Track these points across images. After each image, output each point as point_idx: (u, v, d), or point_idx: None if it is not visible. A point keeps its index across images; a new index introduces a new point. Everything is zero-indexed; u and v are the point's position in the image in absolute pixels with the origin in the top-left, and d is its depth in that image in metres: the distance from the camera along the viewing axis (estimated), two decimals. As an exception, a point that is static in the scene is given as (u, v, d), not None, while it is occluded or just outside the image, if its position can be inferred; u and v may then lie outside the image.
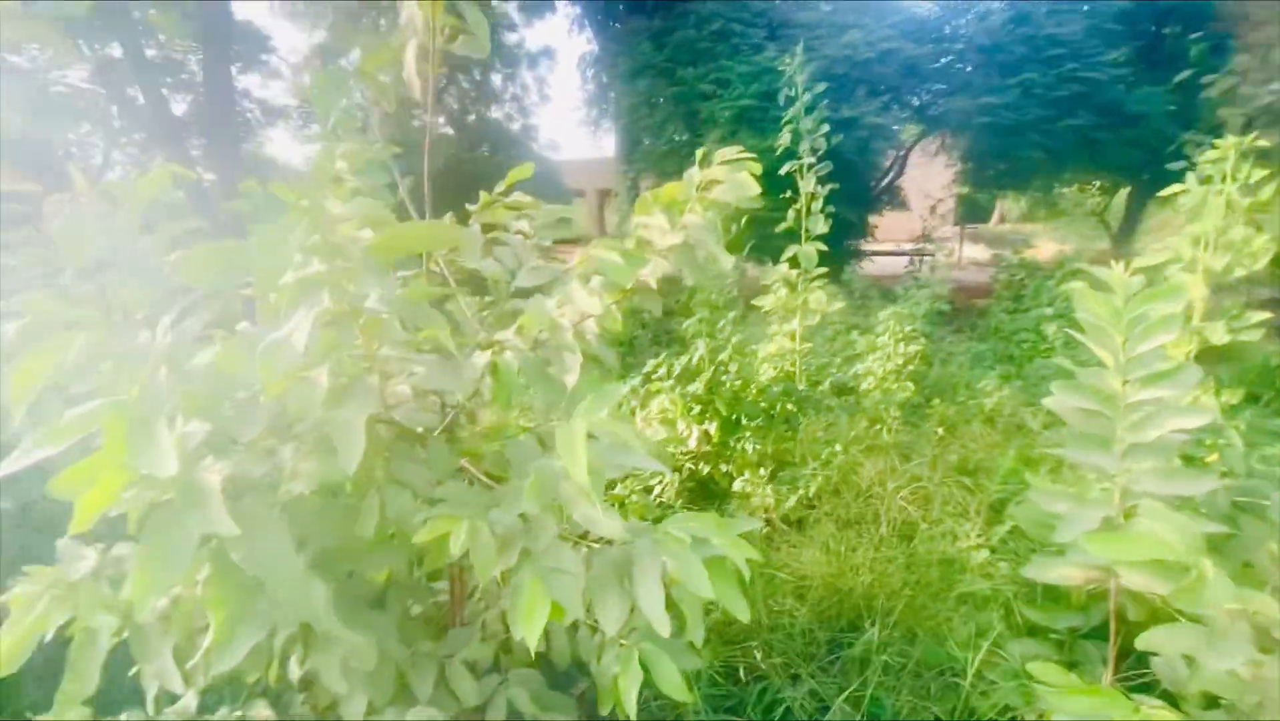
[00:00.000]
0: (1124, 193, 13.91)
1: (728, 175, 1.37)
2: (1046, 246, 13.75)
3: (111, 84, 9.85)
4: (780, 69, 3.62)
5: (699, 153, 1.52)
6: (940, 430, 3.31)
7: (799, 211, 3.41)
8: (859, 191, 8.40)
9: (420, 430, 1.25)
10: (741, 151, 1.45)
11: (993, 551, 2.35)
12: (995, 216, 28.56)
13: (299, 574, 1.01)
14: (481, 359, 1.23)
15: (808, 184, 3.36)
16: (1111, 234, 13.92)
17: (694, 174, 1.45)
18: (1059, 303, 6.07)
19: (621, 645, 1.31)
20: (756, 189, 1.33)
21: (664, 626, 1.11)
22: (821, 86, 3.45)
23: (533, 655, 1.09)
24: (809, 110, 3.37)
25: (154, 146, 10.90)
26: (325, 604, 1.07)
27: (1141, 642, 1.12)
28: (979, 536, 2.38)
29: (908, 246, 12.56)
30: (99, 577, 1.26)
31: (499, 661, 1.65)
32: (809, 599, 2.41)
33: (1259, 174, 1.90)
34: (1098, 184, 14.54)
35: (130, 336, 1.13)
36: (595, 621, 1.17)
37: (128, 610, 1.20)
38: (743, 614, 1.20)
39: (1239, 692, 1.07)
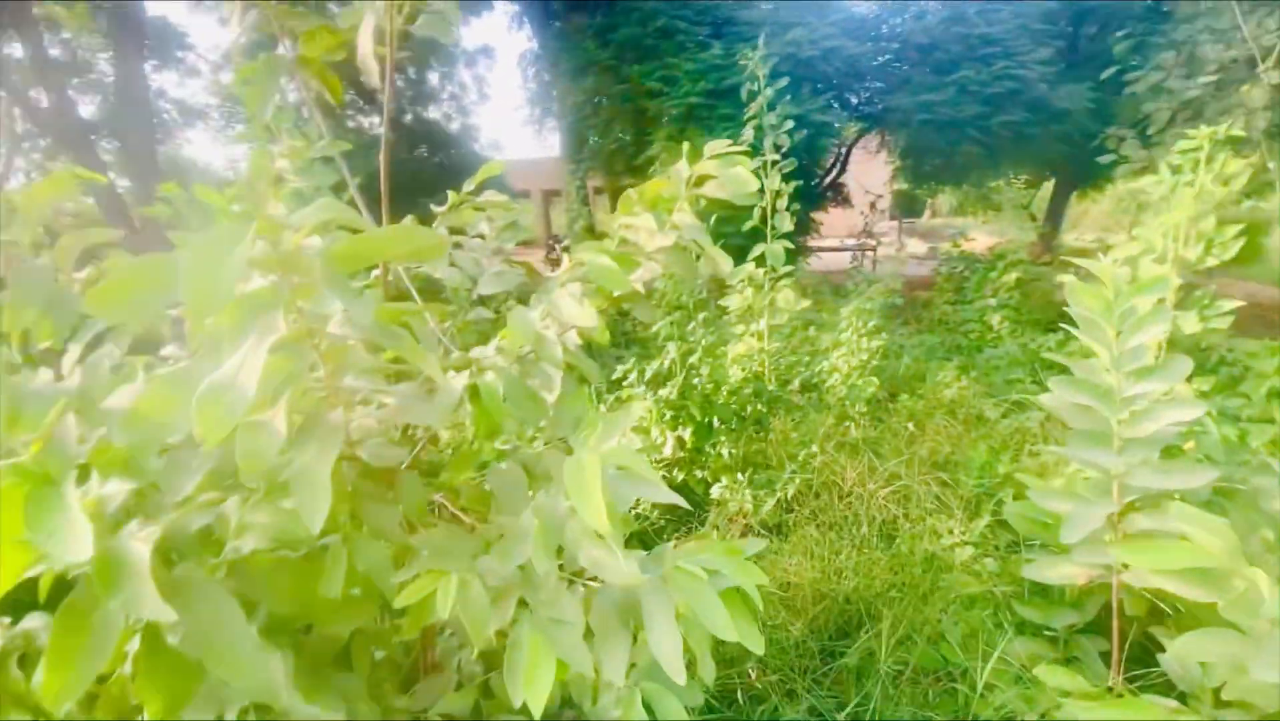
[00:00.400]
0: (1048, 186, 14.61)
1: (721, 170, 1.26)
2: (979, 239, 14.31)
3: (12, 85, 9.01)
4: (740, 63, 3.55)
5: (685, 146, 1.41)
6: (910, 425, 3.31)
7: (764, 209, 3.35)
8: (805, 188, 8.51)
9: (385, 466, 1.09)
10: (732, 145, 1.34)
11: (976, 547, 2.33)
12: (927, 211, 29.67)
13: (251, 649, 0.85)
14: (458, 382, 1.08)
15: (773, 181, 3.30)
16: (1037, 226, 14.59)
17: (683, 169, 1.34)
18: (1001, 294, 6.26)
19: (622, 685, 1.19)
20: (755, 184, 1.23)
21: (680, 673, 0.99)
22: (784, 81, 3.40)
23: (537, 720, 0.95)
24: (771, 105, 3.31)
25: (61, 151, 10.05)
26: (283, 678, 0.91)
27: (1174, 650, 1.07)
28: (962, 533, 2.36)
29: (850, 242, 12.84)
30: (7, 660, 1.06)
31: (479, 709, 1.49)
32: (796, 607, 2.33)
33: (1237, 164, 1.93)
34: (1023, 178, 15.23)
35: (28, 374, 0.94)
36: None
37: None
38: (758, 647, 1.10)
39: (1274, 699, 1.04)
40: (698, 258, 1.39)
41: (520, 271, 1.80)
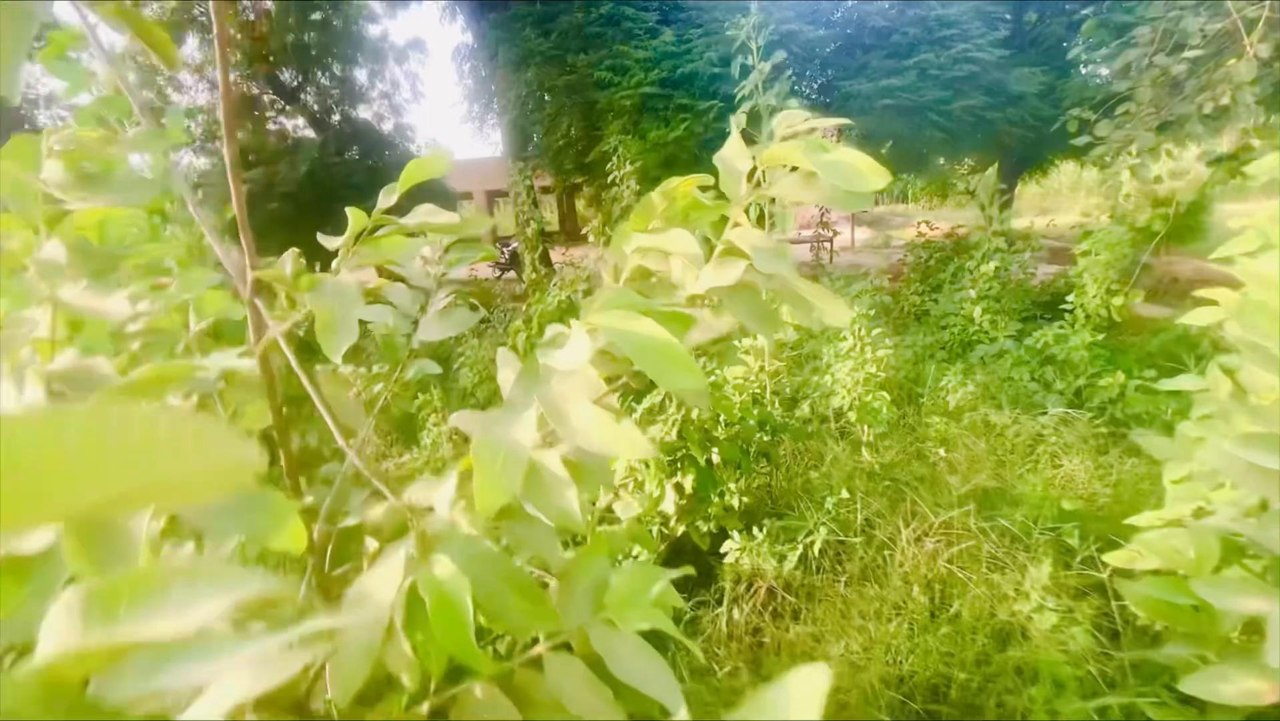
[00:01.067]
0: (992, 170, 14.73)
1: (811, 156, 0.76)
2: (938, 226, 14.32)
3: None
4: (731, 33, 3.06)
5: (735, 119, 0.92)
6: (942, 451, 2.90)
7: (760, 205, 2.89)
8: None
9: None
10: (811, 118, 0.85)
11: (1061, 613, 1.91)
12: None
13: None
14: (384, 589, 0.55)
15: (770, 173, 2.81)
16: (985, 212, 14.71)
17: (740, 158, 0.84)
18: (981, 284, 6.00)
19: None
20: (884, 176, 0.73)
21: None
22: (780, 55, 2.91)
23: None
24: (769, 83, 2.83)
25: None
26: None
27: None
28: (1041, 598, 1.94)
29: (806, 233, 12.62)
30: None
31: None
32: (844, 703, 1.87)
33: None
34: (967, 163, 15.37)
35: None
36: None
37: None
38: None
39: None
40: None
41: (475, 309, 1.28)
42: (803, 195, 0.81)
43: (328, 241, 0.76)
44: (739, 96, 2.92)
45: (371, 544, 0.73)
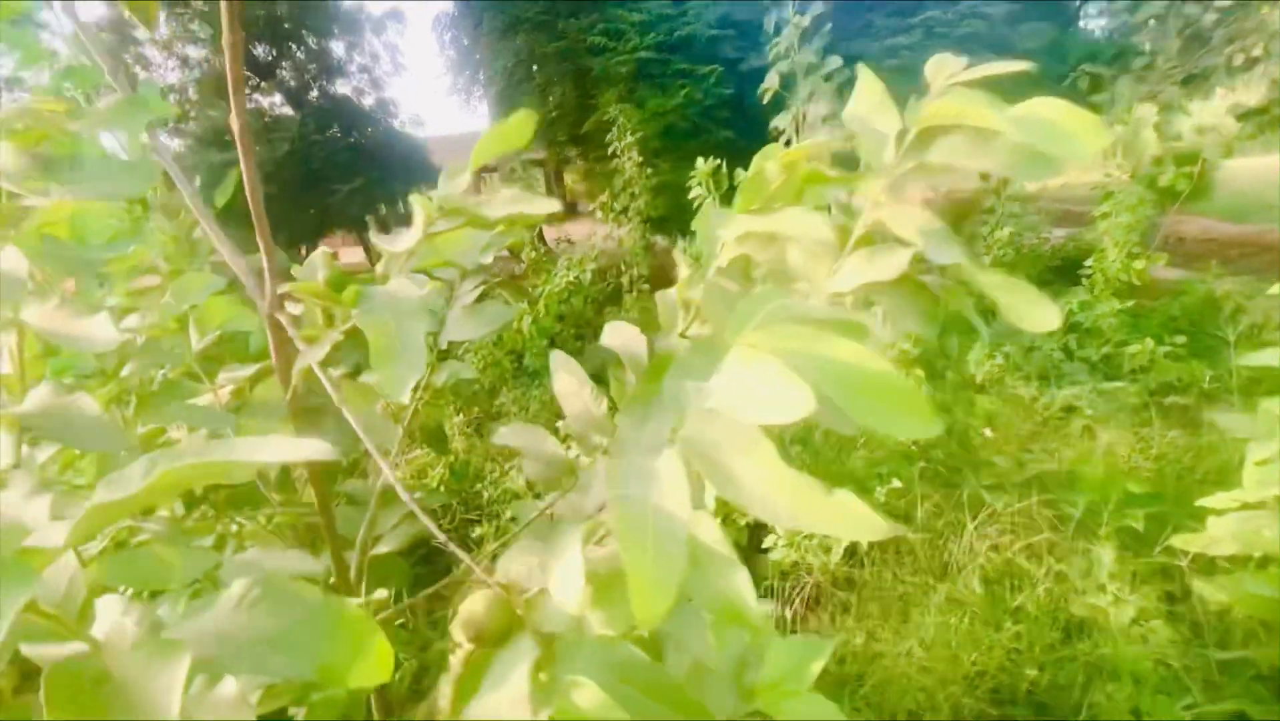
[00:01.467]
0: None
1: (1004, 111, 0.59)
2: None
3: None
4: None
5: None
6: (988, 430, 2.77)
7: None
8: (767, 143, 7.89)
9: None
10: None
11: (1143, 605, 1.80)
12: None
13: None
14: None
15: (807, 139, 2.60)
16: (985, 176, 14.49)
17: (884, 114, 0.66)
18: (995, 250, 5.84)
19: None
20: (1102, 137, 0.56)
21: None
22: (819, 7, 2.64)
23: None
24: (807, 38, 2.57)
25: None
26: None
27: None
28: (1116, 588, 1.82)
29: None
30: None
31: None
32: (899, 711, 1.76)
33: None
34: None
35: None
36: None
37: None
38: None
39: None
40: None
41: (509, 303, 1.12)
42: (973, 161, 0.63)
43: (389, 242, 0.58)
44: (773, 53, 2.66)
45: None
